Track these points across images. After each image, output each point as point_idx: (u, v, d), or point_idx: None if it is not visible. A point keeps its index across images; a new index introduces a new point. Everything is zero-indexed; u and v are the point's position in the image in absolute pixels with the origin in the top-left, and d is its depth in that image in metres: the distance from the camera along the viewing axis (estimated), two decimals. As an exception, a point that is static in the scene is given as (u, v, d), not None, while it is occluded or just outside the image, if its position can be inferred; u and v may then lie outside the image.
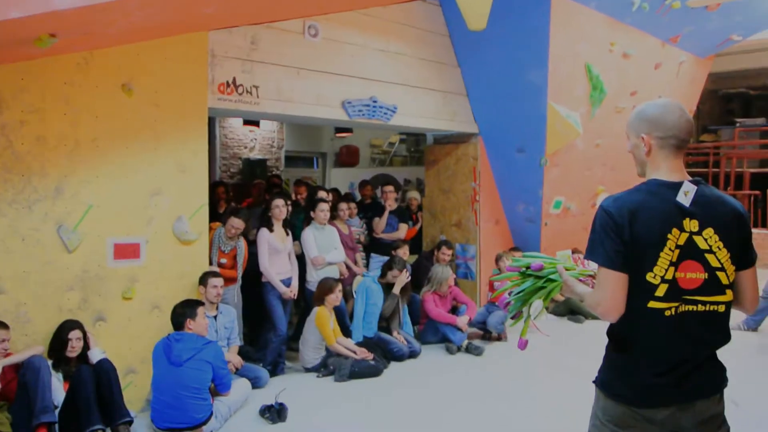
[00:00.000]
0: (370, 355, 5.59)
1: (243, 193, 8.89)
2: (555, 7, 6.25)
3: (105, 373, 4.09)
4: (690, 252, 1.96)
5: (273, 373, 5.47)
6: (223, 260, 5.54)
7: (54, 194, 4.28)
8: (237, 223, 5.54)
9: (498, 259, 7.00)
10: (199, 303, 4.58)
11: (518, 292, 2.36)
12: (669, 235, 1.94)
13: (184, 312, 4.44)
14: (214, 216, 5.57)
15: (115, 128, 4.53)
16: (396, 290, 6.10)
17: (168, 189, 4.80)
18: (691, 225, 1.96)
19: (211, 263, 5.32)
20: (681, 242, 1.95)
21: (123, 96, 4.56)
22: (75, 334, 4.20)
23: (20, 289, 4.18)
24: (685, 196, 1.97)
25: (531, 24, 6.39)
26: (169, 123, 4.79)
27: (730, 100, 16.35)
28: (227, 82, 5.15)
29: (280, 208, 5.70)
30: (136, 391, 4.65)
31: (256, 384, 5.05)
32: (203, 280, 4.97)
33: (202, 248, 5.05)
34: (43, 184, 4.24)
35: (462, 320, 6.36)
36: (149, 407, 4.44)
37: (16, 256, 4.16)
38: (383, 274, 6.20)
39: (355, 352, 5.57)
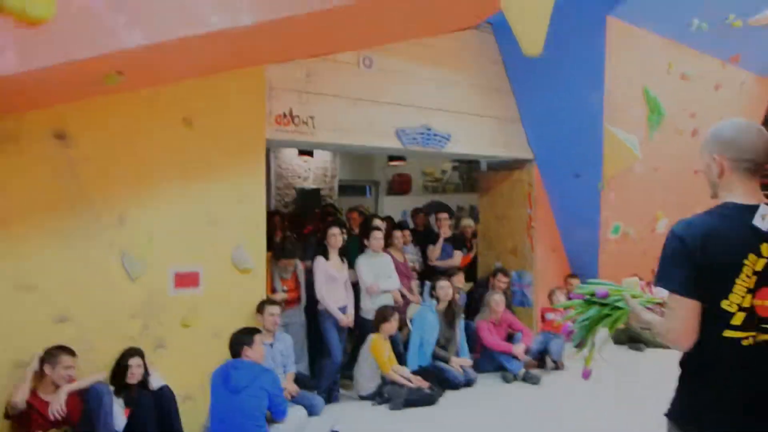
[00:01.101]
0: (425, 384, 5.51)
1: (299, 222, 8.99)
2: (610, 29, 6.17)
3: (165, 400, 4.15)
4: None
5: (328, 400, 5.45)
6: (285, 287, 5.64)
7: (117, 224, 4.42)
8: (288, 264, 5.72)
9: (551, 295, 6.86)
10: (256, 330, 4.63)
11: (583, 320, 2.28)
12: (746, 261, 1.85)
13: (241, 339, 4.49)
14: (271, 245, 5.63)
15: (176, 160, 4.67)
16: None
17: (227, 218, 4.89)
18: None
19: (274, 291, 5.46)
20: (759, 268, 1.86)
21: (184, 129, 4.70)
22: (135, 361, 4.29)
23: (86, 316, 4.31)
24: (763, 219, 1.88)
25: (586, 47, 6.32)
26: (228, 154, 4.90)
27: (796, 121, 15.74)
28: (284, 114, 5.26)
29: (336, 237, 5.74)
30: (193, 417, 4.69)
31: (311, 411, 5.03)
32: (261, 308, 5.03)
33: (259, 277, 5.11)
34: (107, 214, 4.39)
35: (518, 348, 6.23)
36: (207, 434, 4.49)
37: (82, 284, 4.29)
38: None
39: (410, 380, 5.51)
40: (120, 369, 4.28)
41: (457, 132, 6.53)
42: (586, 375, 2.33)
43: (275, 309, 5.05)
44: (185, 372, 4.68)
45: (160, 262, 4.59)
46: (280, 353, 5.14)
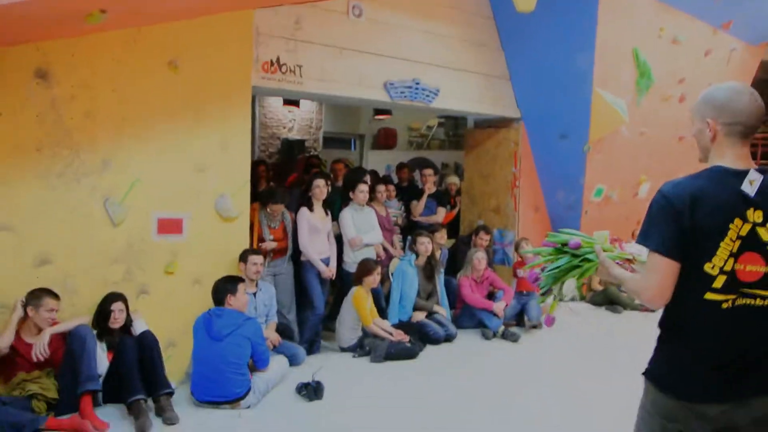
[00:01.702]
0: (406, 338, 5.60)
1: (283, 172, 8.94)
2: (604, -10, 6.11)
3: (147, 344, 4.17)
4: (752, 243, 1.89)
5: (309, 351, 5.52)
6: (271, 237, 5.58)
7: (101, 168, 4.37)
8: (276, 208, 5.61)
9: (517, 247, 6.87)
10: (240, 279, 4.64)
11: (552, 269, 2.30)
12: (731, 225, 1.87)
13: (225, 288, 4.51)
14: (255, 193, 5.60)
15: (160, 105, 4.59)
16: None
17: (211, 166, 4.85)
18: (755, 215, 1.89)
19: (263, 240, 5.47)
20: (743, 233, 1.88)
21: (169, 73, 4.61)
22: (118, 306, 4.29)
23: (68, 260, 4.29)
24: (751, 185, 1.90)
25: (579, 7, 6.25)
26: (213, 101, 4.83)
27: (781, 90, 15.84)
28: (271, 61, 5.17)
29: (321, 188, 5.72)
30: (176, 363, 4.74)
31: (293, 361, 5.10)
32: (244, 257, 5.03)
33: (243, 225, 5.10)
34: (90, 158, 4.33)
35: (498, 306, 6.32)
36: (189, 380, 4.54)
37: (65, 228, 4.25)
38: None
39: (391, 334, 5.59)
40: (103, 313, 4.29)
41: (445, 87, 6.48)
42: (549, 322, 2.38)
43: (258, 258, 5.06)
44: (168, 318, 4.70)
45: (143, 208, 4.55)
46: (263, 303, 5.18)
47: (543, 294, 2.35)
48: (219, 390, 4.27)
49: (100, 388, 4.04)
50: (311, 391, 4.53)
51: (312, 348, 5.62)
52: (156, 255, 4.64)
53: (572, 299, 7.32)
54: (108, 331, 4.31)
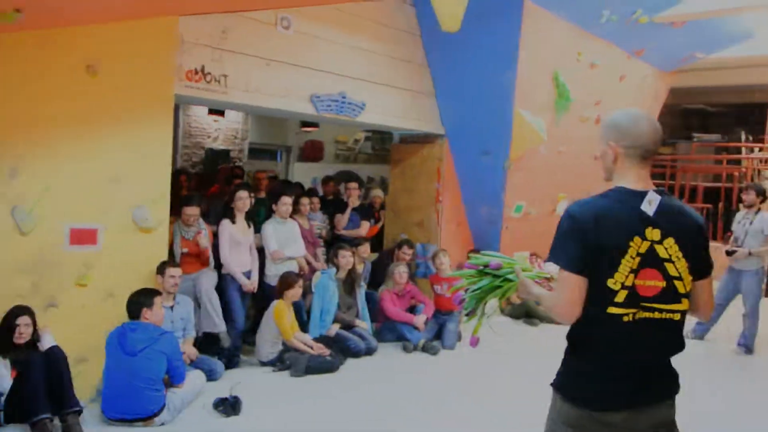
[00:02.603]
0: (326, 351, 5.58)
1: (205, 183, 8.77)
2: (527, 13, 6.33)
3: (55, 360, 3.98)
4: (650, 260, 2.00)
5: (228, 366, 5.41)
6: (185, 249, 5.37)
7: (9, 174, 4.15)
8: (191, 211, 5.40)
9: (434, 257, 6.93)
10: (156, 292, 4.51)
11: (475, 290, 2.36)
12: (631, 243, 1.98)
13: (140, 301, 4.36)
14: (176, 204, 5.45)
15: (76, 110, 4.42)
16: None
17: (129, 175, 4.69)
18: (653, 234, 2.01)
19: (174, 256, 5.25)
20: (642, 250, 1.99)
21: (87, 77, 4.44)
22: (23, 320, 4.06)
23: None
24: (650, 205, 2.02)
25: (502, 28, 6.46)
26: (133, 107, 4.69)
27: (689, 115, 16.80)
28: (196, 70, 5.07)
29: (244, 200, 5.65)
30: (86, 380, 4.52)
31: (210, 376, 4.99)
32: (161, 269, 4.89)
33: (161, 237, 4.96)
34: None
35: (419, 319, 6.39)
36: (99, 397, 4.35)
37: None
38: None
39: (311, 347, 5.55)
40: (6, 328, 4.04)
41: (371, 102, 6.54)
42: (474, 343, 2.43)
43: (176, 271, 4.93)
44: (79, 332, 4.49)
45: (54, 217, 4.35)
46: (180, 317, 5.04)
47: (467, 315, 2.40)
48: (132, 407, 4.13)
49: (2, 407, 3.82)
50: (229, 406, 4.44)
51: (231, 362, 5.51)
52: (67, 266, 4.44)
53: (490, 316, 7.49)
54: (12, 346, 4.07)
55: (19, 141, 4.17)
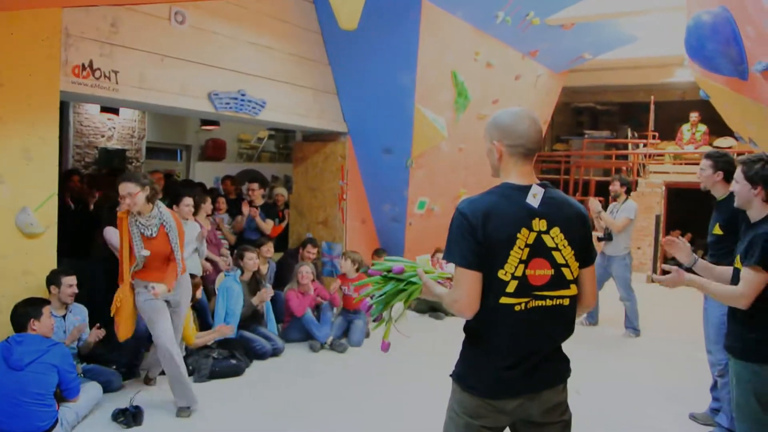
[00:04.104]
0: (229, 330, 5.57)
1: (98, 183, 8.34)
2: (425, 13, 6.45)
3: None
4: (538, 250, 2.09)
5: (128, 376, 5.18)
6: (146, 252, 4.26)
7: None
8: (130, 188, 4.15)
9: (342, 258, 6.97)
10: (45, 302, 4.24)
11: (380, 295, 2.39)
12: (519, 235, 2.05)
13: (27, 312, 4.08)
14: (63, 207, 5.12)
15: (-52, 107, 4.10)
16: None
17: (10, 177, 4.40)
18: (540, 224, 2.09)
19: (137, 263, 4.30)
20: (530, 241, 2.07)
21: (-41, 72, 4.13)
22: None
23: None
24: (534, 198, 2.11)
25: (401, 27, 6.55)
26: (14, 105, 4.39)
27: (581, 113, 17.71)
28: (83, 65, 4.82)
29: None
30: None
31: (108, 387, 4.75)
32: (55, 279, 4.60)
33: (49, 242, 4.67)
34: None
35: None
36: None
37: None
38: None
39: (214, 332, 5.51)
40: None
41: (272, 100, 6.45)
42: (385, 347, 2.45)
43: (72, 279, 4.66)
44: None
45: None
46: (73, 325, 4.77)
47: (375, 320, 2.42)
48: (20, 425, 3.85)
49: None
50: (129, 417, 4.26)
51: (131, 372, 5.27)
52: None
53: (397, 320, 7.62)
54: None
55: None
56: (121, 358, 5.25)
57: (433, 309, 7.79)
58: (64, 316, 4.72)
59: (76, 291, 4.69)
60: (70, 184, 7.24)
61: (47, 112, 4.61)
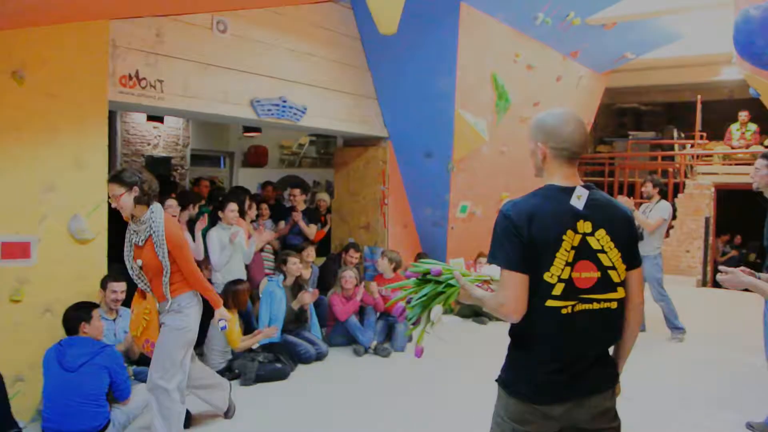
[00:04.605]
0: (272, 332, 5.62)
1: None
2: (464, 16, 6.42)
3: (-10, 381, 3.81)
4: (584, 252, 2.05)
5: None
6: (140, 261, 3.75)
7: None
8: (114, 189, 3.67)
9: (382, 255, 6.95)
10: (94, 305, 4.35)
11: (419, 298, 2.37)
12: (564, 237, 2.03)
13: (77, 315, 4.20)
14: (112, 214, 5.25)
15: (5, 119, 4.24)
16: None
17: (63, 185, 4.54)
18: (585, 227, 2.06)
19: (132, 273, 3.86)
20: (576, 243, 2.04)
21: (13, 84, 4.27)
22: None
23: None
24: (578, 199, 2.08)
25: (440, 31, 6.53)
26: (65, 115, 4.53)
27: (624, 114, 17.38)
28: (130, 75, 4.95)
29: (173, 208, 5.56)
30: (25, 400, 4.35)
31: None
32: (103, 284, 4.74)
33: (100, 248, 4.80)
34: None
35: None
36: (40, 417, 4.18)
37: None
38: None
39: (258, 341, 5.57)
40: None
41: (313, 105, 6.51)
42: (419, 353, 2.40)
43: (119, 286, 4.78)
44: (14, 351, 4.30)
45: (-17, 231, 4.17)
46: (123, 330, 4.89)
47: (413, 324, 2.39)
48: (74, 425, 3.96)
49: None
50: (176, 419, 4.33)
51: (178, 374, 5.37)
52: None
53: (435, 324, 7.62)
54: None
55: (-58, 152, 3.99)
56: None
57: (476, 314, 7.73)
58: (114, 320, 4.84)
59: (121, 297, 4.79)
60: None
61: (97, 121, 4.74)
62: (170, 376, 3.78)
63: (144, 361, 5.08)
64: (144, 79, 5.03)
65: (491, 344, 6.48)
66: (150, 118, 10.41)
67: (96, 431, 4.02)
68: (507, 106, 7.68)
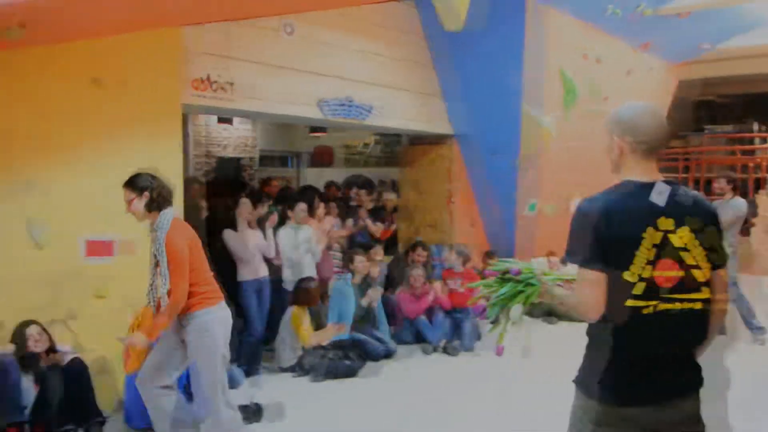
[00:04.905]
0: (341, 329, 5.66)
1: (216, 192, 8.77)
2: (530, 10, 6.33)
3: (76, 372, 4.01)
4: (666, 250, 1.97)
5: (248, 373, 5.41)
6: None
7: (24, 189, 4.18)
8: (127, 194, 3.63)
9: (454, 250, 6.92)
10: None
11: (498, 297, 2.34)
12: (644, 234, 1.96)
13: (157, 311, 4.37)
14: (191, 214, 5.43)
15: (86, 123, 4.45)
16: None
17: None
18: (667, 224, 1.98)
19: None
20: (657, 241, 1.97)
21: (93, 90, 4.47)
22: (33, 330, 4.07)
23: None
24: (660, 195, 2.00)
25: (507, 26, 6.45)
26: (142, 119, 4.71)
27: (699, 108, 16.68)
28: (202, 79, 5.11)
29: (247, 205, 5.69)
30: (108, 390, 4.55)
31: (231, 384, 4.97)
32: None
33: (175, 247, 4.96)
34: (12, 178, 4.14)
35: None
36: (122, 407, 4.37)
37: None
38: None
39: (328, 337, 5.61)
40: (19, 342, 4.05)
41: (379, 105, 6.54)
42: (500, 351, 2.38)
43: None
44: (99, 344, 4.50)
45: (70, 230, 4.38)
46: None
47: (492, 323, 2.38)
48: (152, 417, 4.13)
49: (27, 419, 3.84)
50: (250, 413, 4.43)
51: (251, 370, 5.51)
52: (85, 278, 4.46)
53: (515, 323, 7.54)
54: (33, 359, 4.09)
55: (33, 156, 4.21)
56: (242, 357, 5.50)
57: (547, 313, 7.59)
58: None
59: None
60: (191, 193, 7.67)
61: (171, 124, 4.91)
62: (211, 403, 3.50)
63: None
64: (215, 82, 5.18)
65: (561, 344, 6.36)
66: (220, 120, 10.71)
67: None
68: (575, 100, 7.52)
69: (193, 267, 3.48)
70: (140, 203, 3.52)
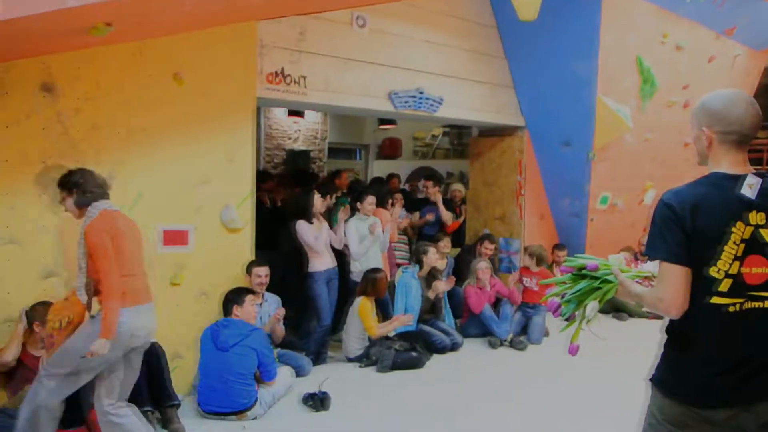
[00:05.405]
0: (408, 319, 5.70)
1: (286, 182, 8.94)
2: (607, -3, 6.12)
3: (155, 356, 4.16)
4: (755, 246, 1.89)
5: (316, 362, 5.51)
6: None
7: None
8: (261, 272, 5.04)
9: (529, 252, 6.84)
10: (248, 291, 4.66)
11: (573, 293, 2.28)
12: (733, 229, 1.88)
13: (232, 299, 4.54)
14: (260, 205, 5.56)
15: (166, 117, 4.61)
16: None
17: (216, 178, 4.86)
18: (758, 218, 1.89)
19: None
20: (746, 236, 1.88)
21: (174, 85, 4.63)
22: None
23: (73, 273, 4.27)
24: (750, 188, 1.91)
25: (582, 13, 6.26)
26: (218, 112, 4.85)
27: (787, 96, 15.80)
28: (276, 72, 5.20)
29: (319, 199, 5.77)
30: (182, 375, 4.72)
31: (299, 373, 5.10)
32: (249, 269, 5.03)
33: (248, 237, 5.10)
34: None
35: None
36: (195, 391, 4.53)
37: (68, 241, 4.25)
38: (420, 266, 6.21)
39: (395, 328, 5.69)
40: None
41: (449, 96, 6.49)
42: (573, 351, 2.31)
43: (262, 270, 5.05)
44: (174, 330, 4.68)
45: (148, 220, 4.54)
46: (268, 314, 5.17)
47: (567, 320, 2.33)
48: (225, 401, 4.27)
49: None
50: (318, 401, 4.52)
51: (318, 359, 5.61)
52: (161, 267, 4.64)
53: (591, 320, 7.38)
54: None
55: (115, 148, 4.40)
56: (310, 345, 5.60)
57: (616, 309, 7.40)
58: (260, 305, 5.13)
59: (265, 281, 5.06)
60: (263, 184, 7.85)
61: (245, 117, 5.03)
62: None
63: (286, 345, 5.36)
64: (289, 75, 5.27)
65: (631, 341, 6.21)
66: (291, 113, 10.87)
67: (244, 408, 4.30)
68: (653, 90, 7.23)
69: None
70: (71, 201, 3.49)
